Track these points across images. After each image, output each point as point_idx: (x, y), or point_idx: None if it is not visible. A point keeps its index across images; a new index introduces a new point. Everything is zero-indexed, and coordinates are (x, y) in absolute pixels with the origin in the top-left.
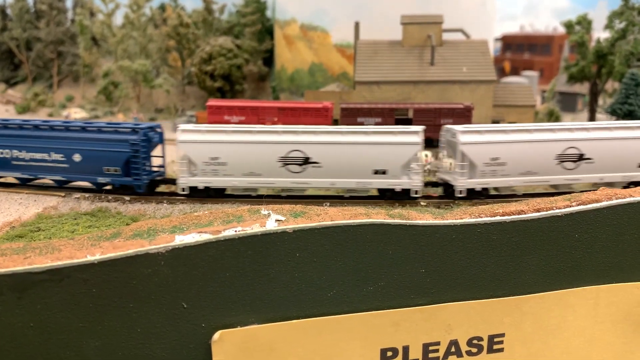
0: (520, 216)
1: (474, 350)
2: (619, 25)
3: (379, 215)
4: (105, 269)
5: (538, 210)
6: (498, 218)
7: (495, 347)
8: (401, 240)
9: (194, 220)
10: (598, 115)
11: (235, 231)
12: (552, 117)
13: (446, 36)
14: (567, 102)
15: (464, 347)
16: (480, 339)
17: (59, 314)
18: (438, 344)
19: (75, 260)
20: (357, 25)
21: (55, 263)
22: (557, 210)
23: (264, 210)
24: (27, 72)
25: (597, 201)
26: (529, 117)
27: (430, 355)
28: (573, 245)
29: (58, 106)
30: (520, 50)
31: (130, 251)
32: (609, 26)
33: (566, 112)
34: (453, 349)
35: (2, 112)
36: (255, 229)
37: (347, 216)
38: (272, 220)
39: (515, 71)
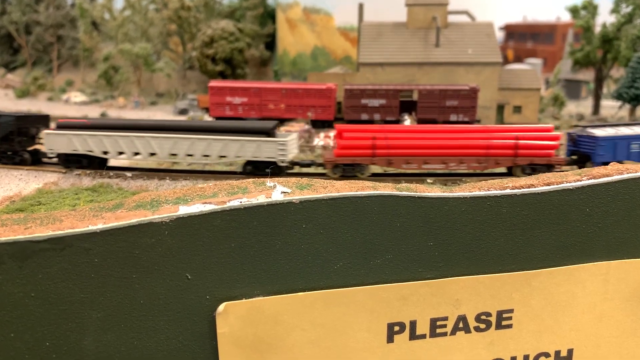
0: (530, 189)
1: (482, 326)
2: (626, 9)
3: (386, 188)
4: (108, 238)
5: (548, 184)
6: (508, 191)
7: (503, 322)
8: (409, 213)
9: (198, 191)
10: (603, 102)
11: (241, 202)
12: (557, 102)
13: (451, 18)
14: (571, 89)
15: (472, 323)
16: (488, 314)
17: (61, 284)
18: (446, 319)
19: (77, 229)
20: (360, 7)
21: (56, 232)
22: (569, 184)
23: (269, 182)
24: (26, 57)
25: (608, 175)
26: (535, 100)
27: (438, 330)
28: (584, 219)
29: (58, 90)
30: (523, 39)
31: (133, 220)
32: (615, 10)
33: (570, 99)
34: (461, 325)
35: (1, 97)
36: (260, 199)
37: (354, 188)
38: (278, 191)
39: (518, 60)
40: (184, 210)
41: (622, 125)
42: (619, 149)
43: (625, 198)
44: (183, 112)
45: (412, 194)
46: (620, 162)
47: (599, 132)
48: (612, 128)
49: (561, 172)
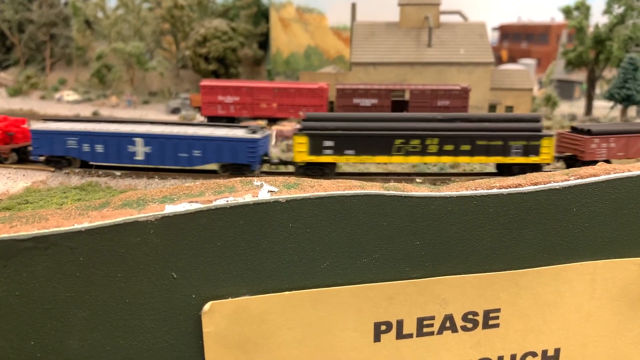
0: (517, 189)
1: (469, 325)
2: (618, 10)
3: (373, 188)
4: (93, 237)
5: (535, 184)
6: (495, 191)
7: (490, 322)
8: (396, 212)
9: (185, 190)
10: (595, 102)
11: (227, 201)
12: (550, 102)
13: (444, 18)
14: (565, 90)
15: (459, 322)
16: (475, 313)
17: (45, 283)
18: (432, 318)
19: (62, 228)
20: (353, 6)
21: (41, 231)
22: (555, 184)
23: (256, 181)
24: (19, 55)
25: (595, 175)
26: (526, 100)
27: (425, 330)
28: (571, 219)
29: (50, 89)
30: (518, 40)
31: (119, 219)
32: (607, 11)
33: (564, 100)
34: (448, 324)
35: None
36: (247, 198)
37: (341, 187)
38: (265, 190)
39: (512, 60)
40: (169, 209)
41: (91, 122)
42: (56, 144)
43: (611, 198)
44: (176, 111)
45: (399, 193)
46: (61, 157)
47: (35, 126)
48: (74, 123)
49: (549, 172)
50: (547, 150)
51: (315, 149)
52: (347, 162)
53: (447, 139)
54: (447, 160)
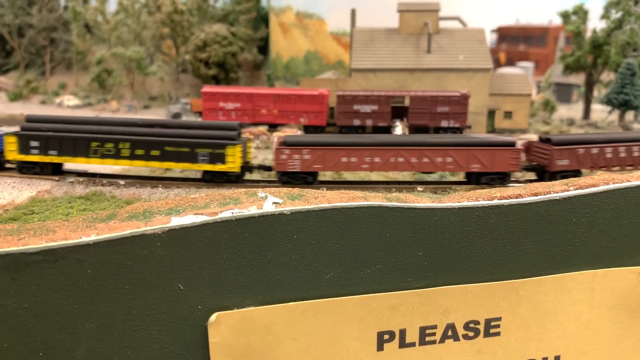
0: (517, 200)
1: (471, 334)
2: (615, 15)
3: (376, 199)
4: (100, 250)
5: (536, 194)
6: (496, 202)
7: (492, 330)
8: (399, 223)
9: (191, 202)
10: (593, 106)
11: (232, 213)
12: (548, 106)
13: (443, 24)
14: (563, 93)
15: (460, 331)
16: (477, 322)
17: (54, 295)
18: (435, 327)
19: (70, 241)
20: (353, 12)
21: (49, 244)
22: (555, 194)
23: (261, 192)
24: (19, 59)
25: (594, 186)
26: (525, 105)
27: (427, 339)
28: (570, 229)
29: (51, 93)
30: (516, 42)
31: (126, 232)
32: (605, 16)
33: (561, 103)
34: (450, 333)
35: None
36: (252, 210)
37: (344, 199)
38: (270, 202)
39: (510, 62)
40: (176, 221)
41: None
42: None
43: (610, 208)
44: (176, 116)
45: (402, 204)
46: None
47: None
48: None
49: (548, 183)
50: (232, 158)
51: (24, 148)
52: (52, 161)
53: (138, 144)
54: (139, 164)
